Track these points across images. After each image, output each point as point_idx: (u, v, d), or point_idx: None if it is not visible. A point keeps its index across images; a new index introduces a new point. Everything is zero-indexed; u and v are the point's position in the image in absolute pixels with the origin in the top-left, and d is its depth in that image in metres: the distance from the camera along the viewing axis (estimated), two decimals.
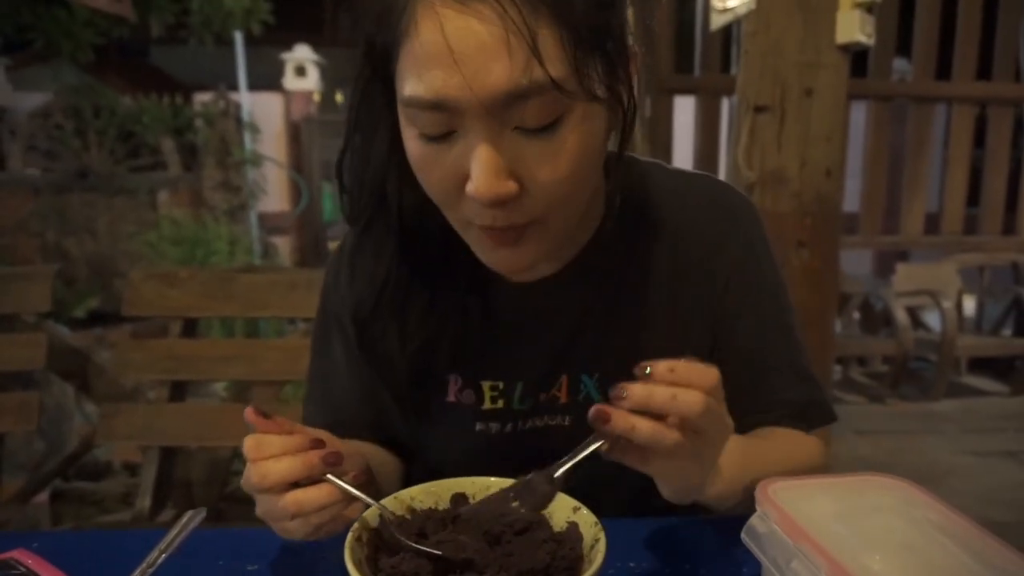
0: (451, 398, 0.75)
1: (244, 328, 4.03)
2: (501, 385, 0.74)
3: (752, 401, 0.75)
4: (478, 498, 0.61)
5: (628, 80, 0.59)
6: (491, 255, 0.61)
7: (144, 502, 1.41)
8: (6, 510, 1.83)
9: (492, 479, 0.63)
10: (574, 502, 0.60)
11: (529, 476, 0.57)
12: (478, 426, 0.75)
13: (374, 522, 0.57)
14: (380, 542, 0.56)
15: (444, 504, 0.62)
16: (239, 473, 2.18)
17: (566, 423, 0.75)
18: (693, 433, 0.52)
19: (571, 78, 0.52)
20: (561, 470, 0.55)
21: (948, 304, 4.00)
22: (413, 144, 0.57)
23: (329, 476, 0.56)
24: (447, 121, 0.53)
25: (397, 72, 0.54)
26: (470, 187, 0.54)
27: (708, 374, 0.52)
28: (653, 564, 0.63)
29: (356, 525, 0.55)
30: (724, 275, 0.74)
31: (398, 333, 0.70)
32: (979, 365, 4.45)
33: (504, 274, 0.66)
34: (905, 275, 4.27)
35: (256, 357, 1.47)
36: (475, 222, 0.58)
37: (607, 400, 0.67)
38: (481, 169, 0.52)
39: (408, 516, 0.60)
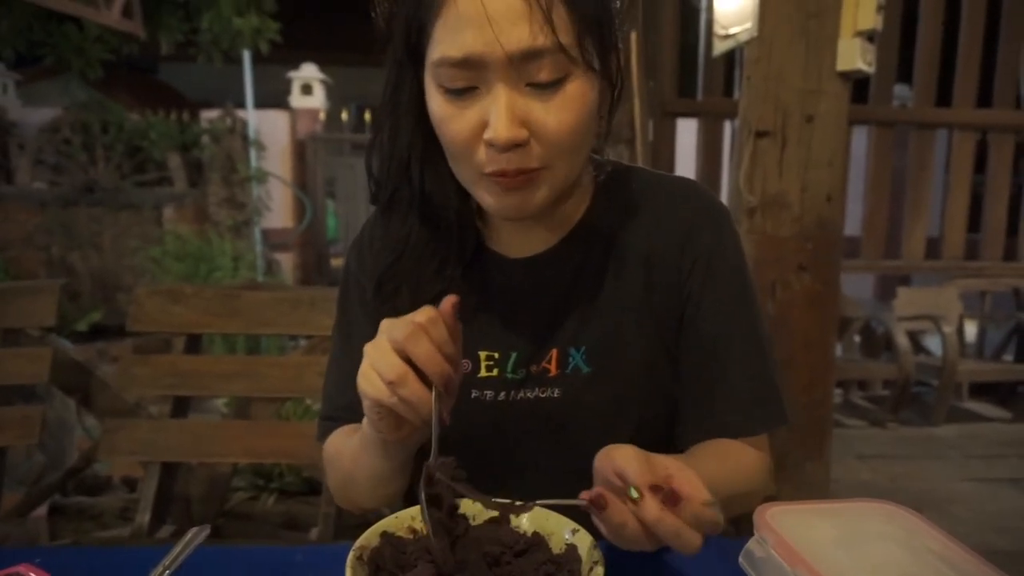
0: None
1: (245, 345, 4.04)
2: (496, 355, 0.79)
3: (706, 391, 0.79)
4: (477, 519, 0.62)
5: (616, 63, 0.71)
6: (501, 200, 0.69)
7: (144, 518, 1.41)
8: (5, 524, 1.83)
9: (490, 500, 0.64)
10: (573, 524, 0.60)
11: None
12: (473, 393, 0.79)
13: (375, 541, 0.58)
14: (381, 561, 0.56)
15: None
16: (238, 490, 2.17)
17: (556, 395, 0.78)
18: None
19: (575, 47, 0.64)
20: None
21: (949, 329, 4.00)
22: (438, 103, 0.67)
23: (436, 394, 0.58)
24: (471, 77, 0.64)
25: (430, 41, 0.65)
26: (488, 133, 0.64)
27: (712, 520, 0.51)
28: None
29: (357, 544, 0.56)
30: (691, 259, 0.79)
31: (410, 292, 0.77)
32: (980, 390, 4.44)
33: (511, 218, 0.72)
34: (906, 299, 4.28)
35: (258, 374, 1.47)
36: (487, 170, 0.66)
37: (594, 371, 0.77)
38: (500, 115, 0.63)
39: (410, 536, 0.60)
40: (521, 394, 0.79)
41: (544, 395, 0.78)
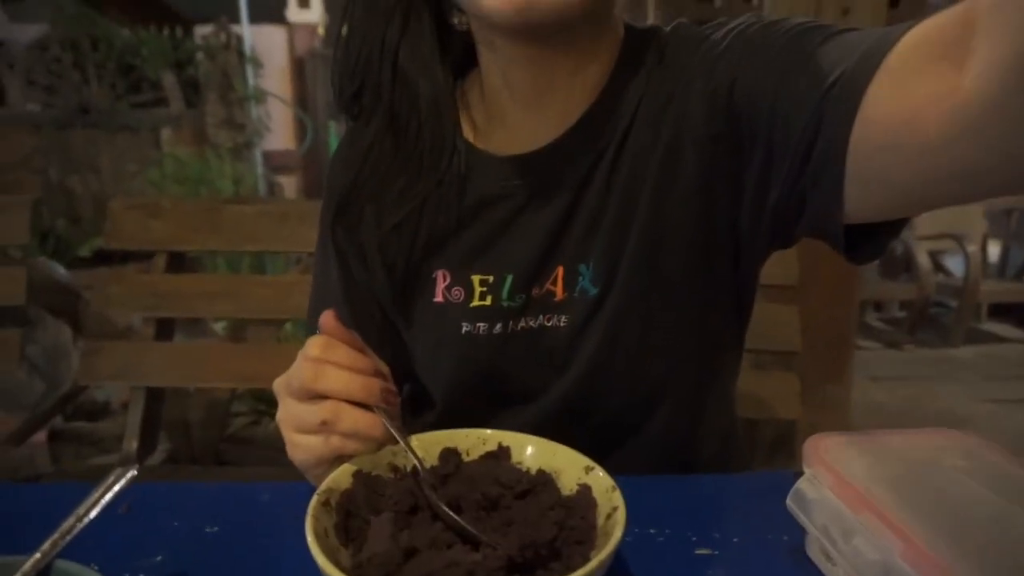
0: (438, 298, 0.68)
1: (251, 265, 3.95)
2: (490, 278, 0.67)
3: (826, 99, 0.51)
4: (472, 454, 0.52)
5: None
6: None
7: (131, 444, 1.34)
8: (2, 450, 1.78)
9: (488, 431, 0.54)
10: (587, 460, 0.50)
11: None
12: (464, 327, 0.67)
13: (346, 482, 0.48)
14: (353, 506, 0.47)
15: (433, 461, 0.53)
16: (239, 415, 2.11)
17: (562, 324, 0.66)
18: None
19: None
20: None
21: (973, 248, 3.86)
22: None
23: (379, 410, 0.51)
24: None
25: None
26: None
27: None
28: (677, 532, 0.54)
29: (323, 486, 0.46)
30: (708, 89, 0.60)
31: (375, 215, 0.68)
32: (1000, 311, 4.33)
33: (520, 17, 0.54)
34: (929, 218, 4.11)
35: (249, 294, 1.37)
36: None
37: (599, 292, 0.64)
38: None
39: (390, 475, 0.51)
40: (521, 324, 0.66)
41: (549, 324, 0.66)
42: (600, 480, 0.48)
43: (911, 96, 0.43)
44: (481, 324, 0.67)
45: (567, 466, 0.51)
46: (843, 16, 1.77)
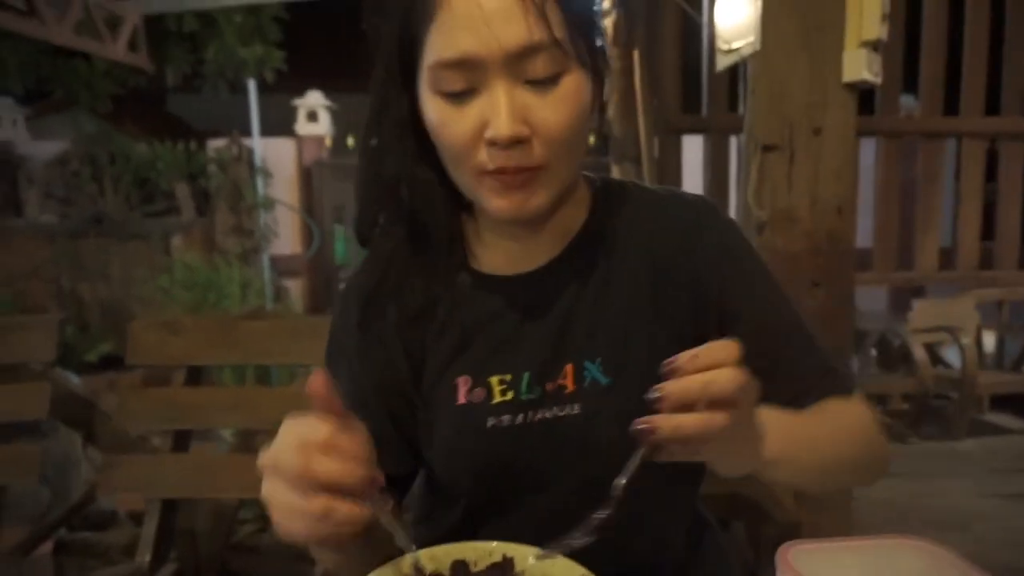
0: (462, 400, 0.76)
1: (255, 375, 4.01)
2: (509, 377, 0.76)
3: (773, 370, 0.71)
4: (479, 565, 0.58)
5: (603, 62, 0.72)
6: (501, 200, 0.68)
7: (144, 557, 1.37)
8: (6, 563, 1.79)
9: (493, 544, 0.60)
10: (581, 569, 0.56)
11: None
12: (490, 421, 0.75)
13: None
14: None
15: (444, 571, 0.58)
16: (245, 522, 2.13)
17: (576, 411, 0.75)
18: (732, 407, 0.54)
19: (568, 42, 0.65)
20: (623, 480, 0.57)
21: (967, 340, 3.92)
22: (436, 108, 0.67)
23: (371, 503, 0.53)
24: (469, 78, 0.64)
25: (424, 48, 0.66)
26: (490, 132, 0.64)
27: (728, 348, 0.55)
28: None
29: None
30: (703, 260, 0.77)
31: (397, 311, 0.76)
32: (1001, 402, 4.35)
33: (513, 218, 0.70)
34: (922, 311, 4.20)
35: (260, 405, 1.44)
36: (488, 167, 0.66)
37: (613, 381, 0.74)
38: (501, 112, 0.63)
39: None
40: (539, 414, 0.75)
41: (563, 413, 0.75)
42: None
43: None
44: (504, 417, 0.75)
45: (564, 574, 0.56)
46: None
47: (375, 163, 0.75)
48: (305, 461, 0.51)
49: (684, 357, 0.54)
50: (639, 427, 0.54)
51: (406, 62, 0.68)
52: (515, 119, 0.64)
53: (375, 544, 0.64)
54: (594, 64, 0.69)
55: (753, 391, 0.57)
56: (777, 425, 0.64)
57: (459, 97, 0.65)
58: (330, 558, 0.70)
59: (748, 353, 0.72)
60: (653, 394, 0.54)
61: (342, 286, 0.87)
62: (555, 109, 0.65)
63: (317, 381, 0.53)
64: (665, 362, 0.55)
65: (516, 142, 0.64)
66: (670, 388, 0.53)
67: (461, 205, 0.78)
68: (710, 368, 0.53)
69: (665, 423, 0.53)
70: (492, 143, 0.64)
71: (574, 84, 0.66)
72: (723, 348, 0.55)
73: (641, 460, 0.56)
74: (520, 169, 0.66)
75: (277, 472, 0.52)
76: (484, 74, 0.64)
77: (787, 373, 0.76)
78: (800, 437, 0.67)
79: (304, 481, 0.51)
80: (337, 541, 0.53)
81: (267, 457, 0.53)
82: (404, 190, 0.74)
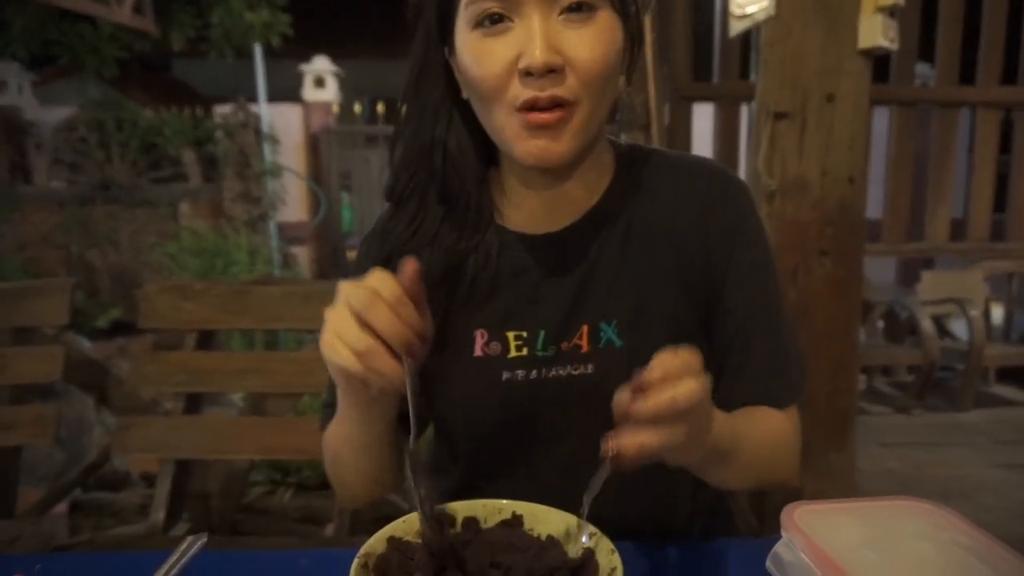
0: (478, 352, 0.79)
1: (263, 340, 4.04)
2: (525, 334, 0.78)
3: (729, 365, 0.78)
4: (489, 522, 0.59)
5: (637, 21, 0.73)
6: (529, 142, 0.69)
7: (158, 515, 1.40)
8: (22, 522, 1.83)
9: (503, 502, 0.61)
10: (590, 527, 0.57)
11: None
12: (504, 375, 0.77)
13: (381, 547, 0.55)
14: (388, 568, 0.54)
15: (455, 528, 0.60)
16: (256, 484, 2.17)
17: (589, 371, 0.77)
18: (693, 418, 0.54)
19: None
20: (590, 497, 0.56)
21: (975, 312, 3.91)
22: (471, 44, 0.68)
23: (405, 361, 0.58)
24: (506, 8, 0.66)
25: None
26: (524, 61, 0.65)
27: (691, 361, 0.54)
28: None
29: (362, 551, 0.53)
30: (715, 233, 0.79)
31: (427, 263, 0.76)
32: (1007, 375, 4.35)
33: (538, 163, 0.71)
34: (931, 283, 4.19)
35: (271, 370, 1.46)
36: (521, 100, 0.67)
37: (626, 344, 0.76)
38: (536, 40, 0.65)
39: (419, 540, 0.58)
40: (553, 372, 0.77)
41: (577, 372, 0.77)
42: (602, 544, 0.55)
43: None
44: (519, 371, 0.77)
45: (573, 531, 0.57)
46: None
47: (413, 124, 0.77)
48: (371, 304, 0.58)
49: (654, 375, 0.53)
50: (605, 452, 0.54)
51: (444, 16, 0.71)
52: (549, 48, 0.65)
53: (386, 429, 0.72)
54: (625, 10, 0.71)
55: (708, 398, 0.56)
56: (723, 427, 0.63)
57: (494, 27, 0.67)
58: (347, 413, 0.72)
59: (717, 348, 0.78)
60: (622, 408, 0.54)
61: (351, 255, 0.88)
62: (589, 43, 0.67)
63: (411, 266, 0.62)
64: (634, 381, 0.54)
65: (550, 71, 0.65)
66: (640, 410, 0.53)
67: (491, 161, 0.80)
68: (675, 379, 0.53)
69: (630, 443, 0.53)
70: (527, 72, 0.66)
71: (607, 22, 0.68)
72: (687, 361, 0.54)
73: (604, 478, 0.56)
74: (552, 101, 0.67)
75: (347, 300, 0.60)
76: (519, 6, 0.65)
77: (740, 372, 0.78)
78: (739, 441, 0.67)
79: (362, 319, 0.58)
80: (360, 388, 0.62)
81: (347, 286, 0.61)
82: (439, 151, 0.76)
